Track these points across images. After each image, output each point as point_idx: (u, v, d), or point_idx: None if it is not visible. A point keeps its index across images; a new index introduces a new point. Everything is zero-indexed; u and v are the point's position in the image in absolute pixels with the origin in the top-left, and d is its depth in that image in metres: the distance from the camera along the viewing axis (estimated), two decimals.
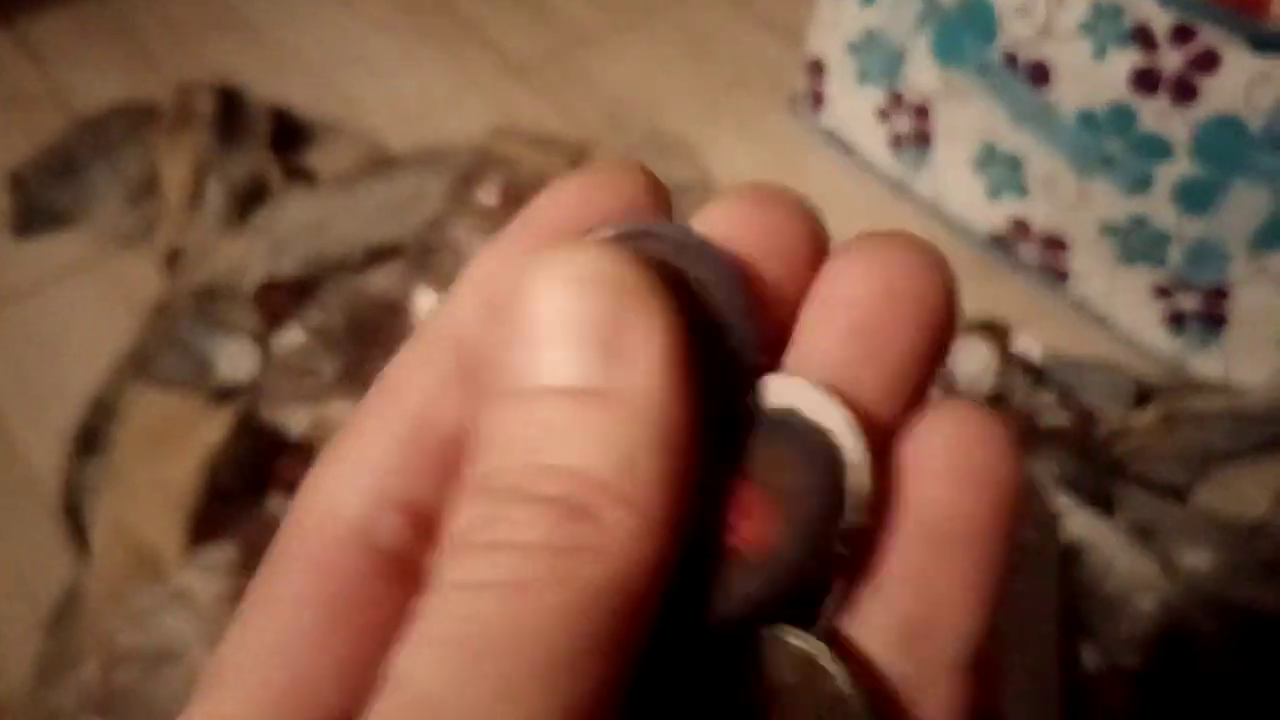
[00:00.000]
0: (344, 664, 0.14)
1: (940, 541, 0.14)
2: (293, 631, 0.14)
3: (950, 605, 0.14)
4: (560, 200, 0.16)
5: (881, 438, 0.15)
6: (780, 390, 0.15)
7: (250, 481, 0.59)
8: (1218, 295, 0.66)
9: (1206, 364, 0.69)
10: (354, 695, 0.14)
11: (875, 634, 0.15)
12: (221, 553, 0.56)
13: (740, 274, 0.15)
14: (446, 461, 0.15)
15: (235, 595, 0.54)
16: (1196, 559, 0.56)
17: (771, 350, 0.15)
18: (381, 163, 0.74)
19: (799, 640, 0.14)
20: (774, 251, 0.15)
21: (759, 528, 0.14)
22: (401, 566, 0.15)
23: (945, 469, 0.15)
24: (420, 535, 0.15)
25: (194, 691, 0.15)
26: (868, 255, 0.15)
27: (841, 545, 0.14)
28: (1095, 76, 0.62)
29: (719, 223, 0.15)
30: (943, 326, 0.15)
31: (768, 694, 0.14)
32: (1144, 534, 0.57)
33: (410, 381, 0.15)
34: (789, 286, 0.15)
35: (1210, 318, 0.68)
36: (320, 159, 0.78)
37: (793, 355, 0.15)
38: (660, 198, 0.16)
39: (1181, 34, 0.57)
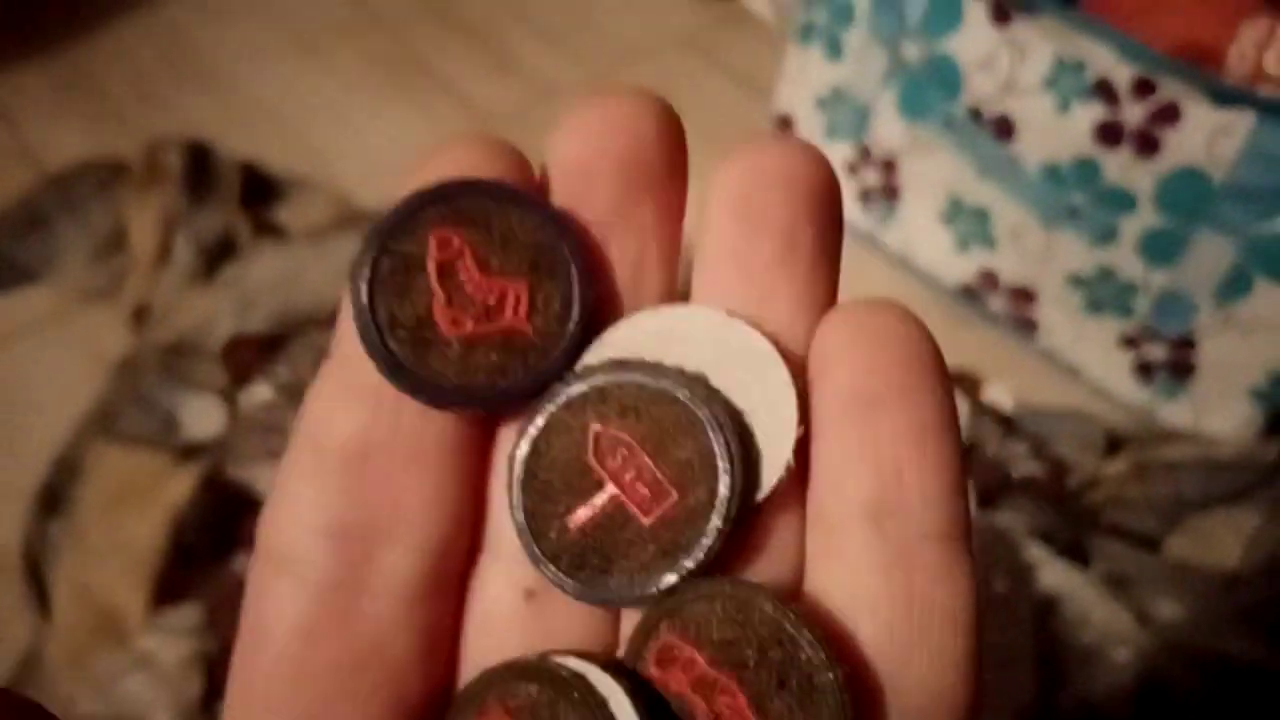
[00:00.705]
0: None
1: (870, 409, 0.14)
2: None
3: (906, 473, 0.14)
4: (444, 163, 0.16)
5: (795, 330, 0.15)
6: (665, 335, 0.15)
7: (216, 541, 0.58)
8: (1185, 345, 0.67)
9: (1175, 413, 0.70)
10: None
11: (844, 527, 0.14)
12: (186, 615, 0.55)
13: (565, 223, 0.16)
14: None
15: (199, 658, 0.53)
16: (1171, 610, 0.56)
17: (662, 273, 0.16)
18: (352, 217, 0.74)
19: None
20: (625, 157, 0.15)
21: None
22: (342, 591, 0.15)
23: (850, 343, 0.15)
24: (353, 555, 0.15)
25: None
26: (740, 162, 0.15)
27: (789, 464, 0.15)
28: (1059, 130, 0.63)
29: (573, 133, 0.16)
30: (820, 194, 0.15)
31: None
32: (1118, 584, 0.57)
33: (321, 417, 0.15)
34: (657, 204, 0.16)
35: (1178, 367, 0.68)
36: (290, 214, 0.78)
37: (695, 280, 0.16)
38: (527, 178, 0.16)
39: (1143, 88, 0.58)
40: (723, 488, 0.15)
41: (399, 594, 0.15)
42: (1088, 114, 0.61)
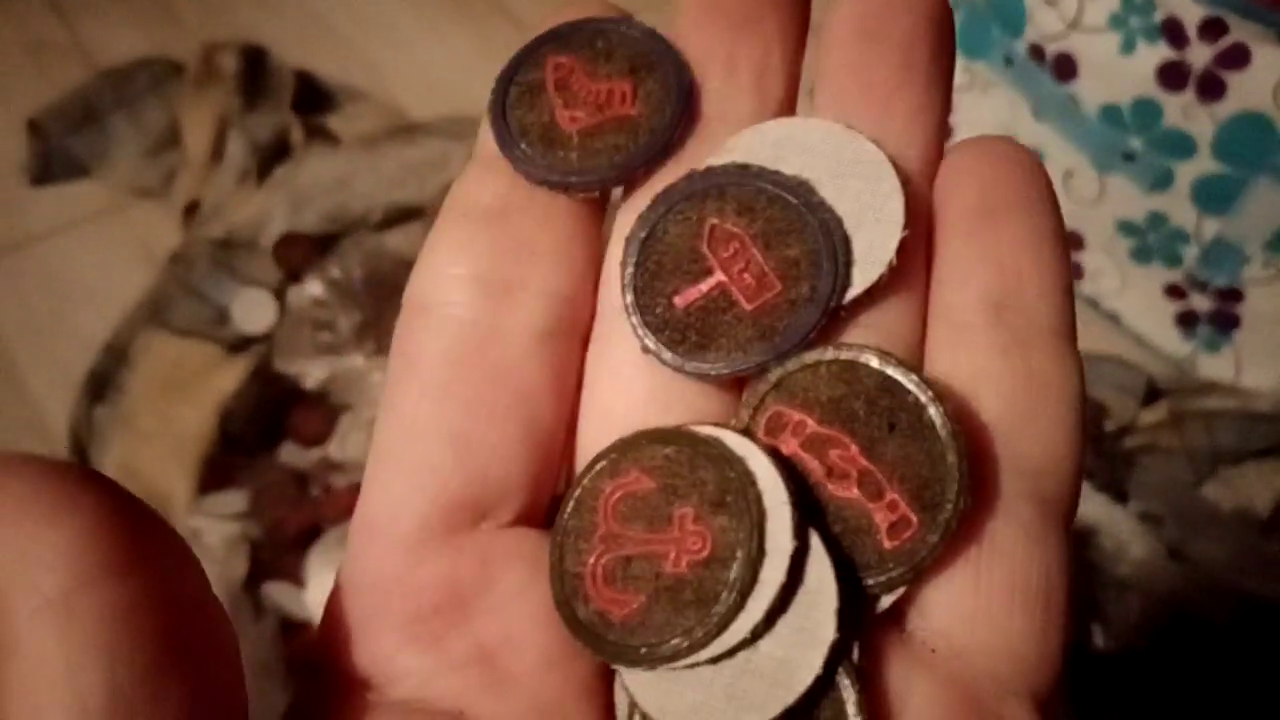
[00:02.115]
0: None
1: (992, 218, 0.16)
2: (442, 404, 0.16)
3: (1024, 269, 0.16)
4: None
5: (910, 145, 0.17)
6: (786, 140, 0.17)
7: (262, 431, 0.59)
8: (1231, 296, 0.67)
9: (1216, 366, 0.70)
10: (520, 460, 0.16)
11: (967, 317, 0.16)
12: (231, 500, 0.56)
13: (659, 34, 0.18)
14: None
15: (243, 541, 0.54)
16: (1205, 550, 0.56)
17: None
18: (404, 129, 0.74)
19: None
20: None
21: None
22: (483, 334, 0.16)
23: (974, 165, 0.16)
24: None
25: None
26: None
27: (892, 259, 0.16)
28: (1122, 70, 0.62)
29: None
30: (936, 18, 0.17)
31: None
32: (1154, 523, 0.57)
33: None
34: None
35: (1222, 319, 0.68)
36: (342, 124, 0.78)
37: (816, 94, 0.17)
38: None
39: (1212, 28, 0.58)
40: (824, 284, 0.16)
41: (530, 331, 0.16)
42: (1153, 54, 0.61)
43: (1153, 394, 0.68)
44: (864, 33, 0.17)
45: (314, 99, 0.79)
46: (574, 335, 0.17)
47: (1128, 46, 0.61)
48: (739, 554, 0.14)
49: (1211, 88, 0.59)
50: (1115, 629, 0.52)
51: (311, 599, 0.51)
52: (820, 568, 0.14)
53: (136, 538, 0.12)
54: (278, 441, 0.58)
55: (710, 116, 0.17)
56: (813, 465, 0.15)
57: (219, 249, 0.64)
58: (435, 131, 0.73)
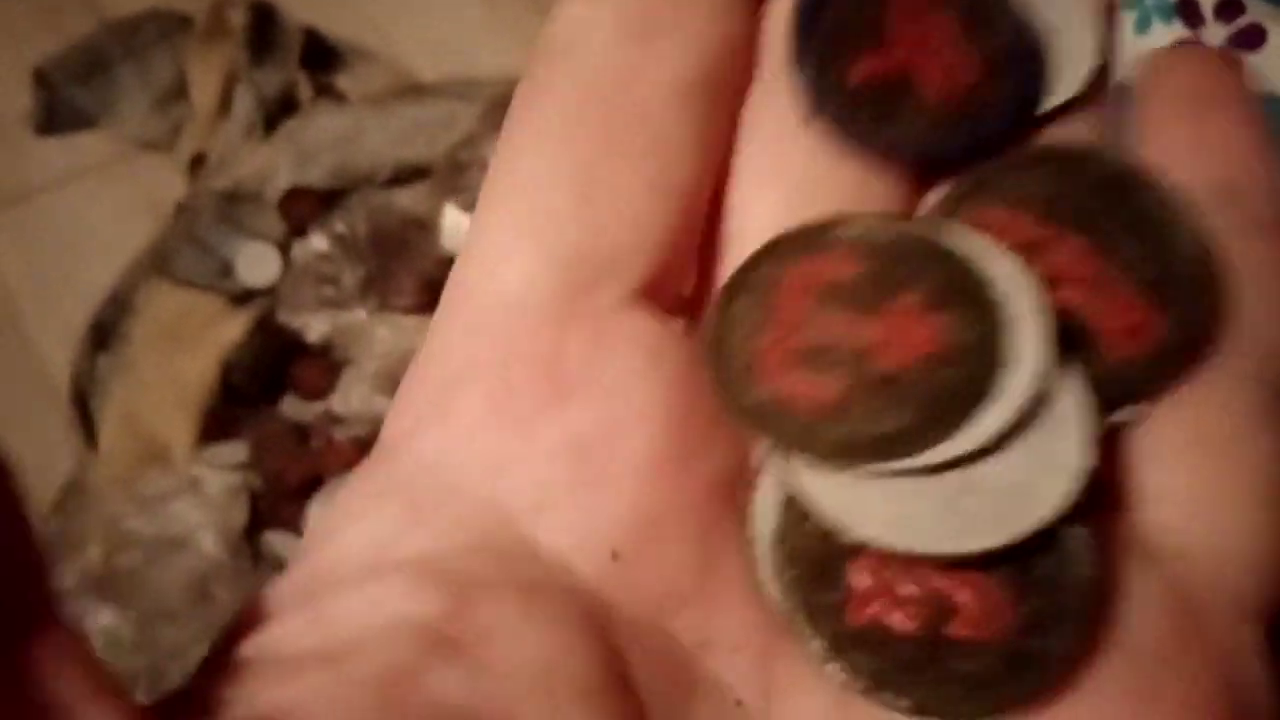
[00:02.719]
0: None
1: (1205, 103, 0.15)
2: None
3: (1247, 160, 0.15)
4: None
5: None
6: None
7: (264, 384, 0.58)
8: None
9: None
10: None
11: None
12: (232, 451, 0.56)
13: None
14: None
15: (244, 490, 0.54)
16: None
17: None
18: (413, 89, 0.74)
19: None
20: None
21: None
22: None
23: (1184, 59, 0.16)
24: None
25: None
26: None
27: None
28: (1136, 50, 0.62)
29: None
30: None
31: None
32: None
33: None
34: None
35: None
36: (350, 83, 0.78)
37: None
38: None
39: (1228, 8, 0.58)
40: (1023, 84, 0.14)
41: (675, 79, 0.14)
42: (1167, 34, 0.60)
43: None
44: None
45: (322, 57, 0.78)
46: (724, 94, 0.15)
47: (1142, 25, 0.61)
48: (980, 355, 0.12)
49: None
50: None
51: None
52: (1073, 387, 0.12)
53: None
54: (279, 394, 0.58)
55: None
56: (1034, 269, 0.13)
57: (224, 201, 0.64)
58: (444, 92, 0.73)
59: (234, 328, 0.59)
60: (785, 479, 0.13)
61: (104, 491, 0.54)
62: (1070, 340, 0.13)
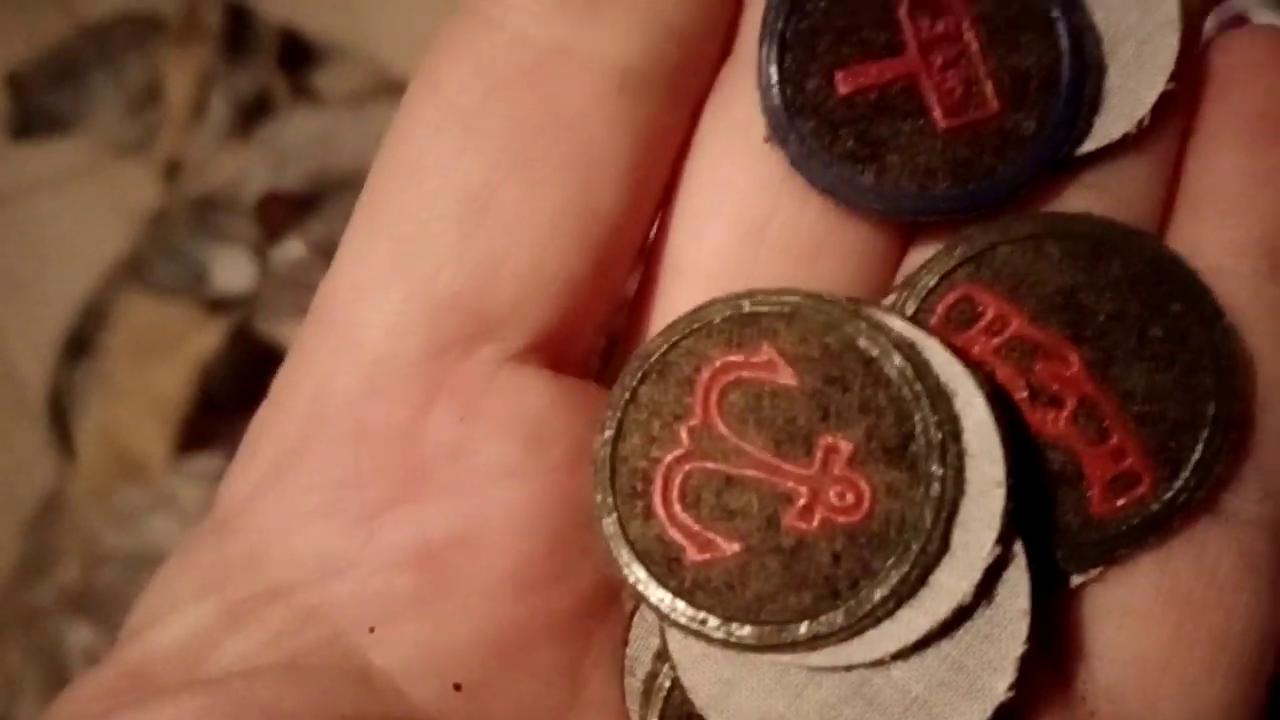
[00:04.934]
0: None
1: (1265, 125, 0.12)
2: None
3: None
4: None
5: None
6: None
7: (242, 393, 0.58)
8: None
9: None
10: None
11: (1227, 256, 0.12)
12: (209, 462, 0.55)
13: None
14: None
15: None
16: None
17: None
18: (389, 87, 0.73)
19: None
20: None
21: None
22: None
23: (1265, 53, 0.12)
24: None
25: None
26: None
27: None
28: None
29: None
30: None
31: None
32: None
33: None
34: None
35: None
36: (327, 81, 0.77)
37: None
38: None
39: None
40: (1057, 120, 0.11)
41: (611, 66, 0.11)
42: None
43: None
44: None
45: (298, 55, 0.77)
46: (676, 91, 0.12)
47: None
48: (911, 540, 0.10)
49: None
50: None
51: None
52: (1014, 589, 0.10)
53: None
54: (258, 403, 0.57)
55: None
56: (1012, 383, 0.10)
57: (200, 208, 0.63)
58: None
59: (210, 337, 0.58)
60: (660, 633, 0.11)
61: (82, 506, 0.53)
62: (1041, 488, 0.10)
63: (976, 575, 0.09)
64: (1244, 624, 0.10)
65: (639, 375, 0.11)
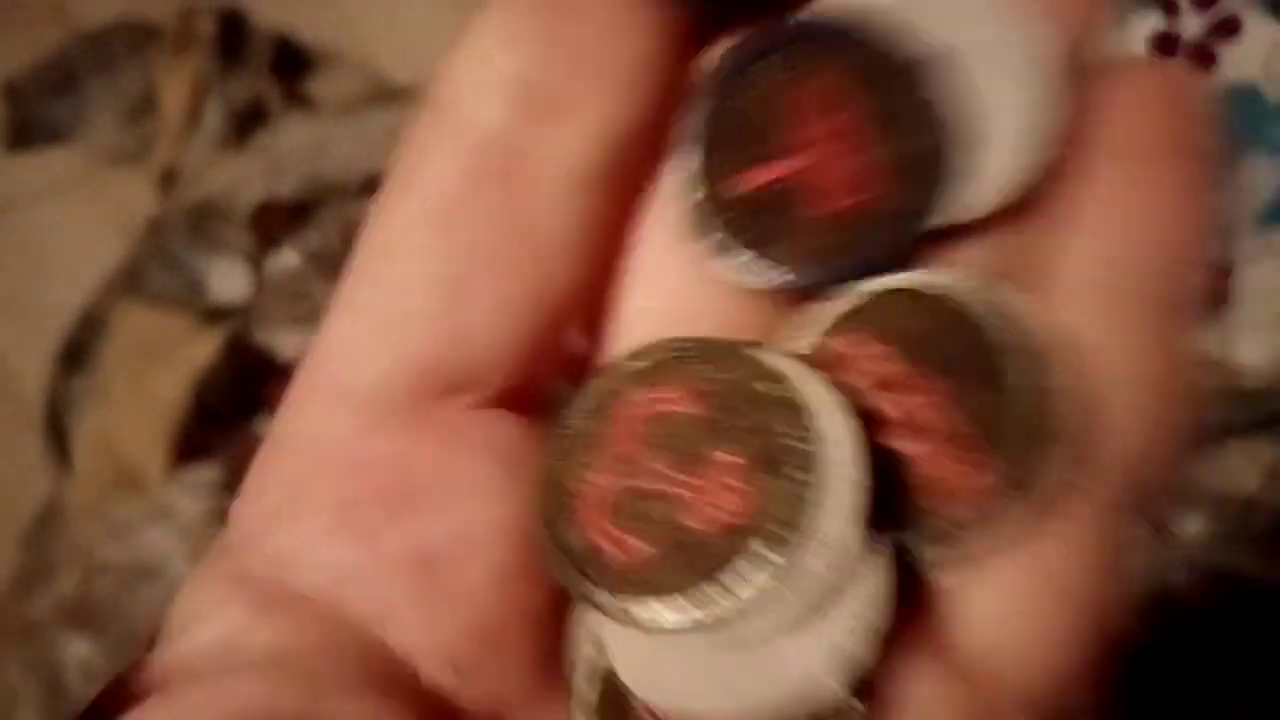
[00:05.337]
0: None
1: (1138, 157, 0.13)
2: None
3: (1160, 237, 0.13)
4: None
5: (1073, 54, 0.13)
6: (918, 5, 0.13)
7: (238, 403, 0.58)
8: (1221, 272, 0.66)
9: (1204, 341, 0.69)
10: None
11: (1085, 274, 0.13)
12: (206, 472, 0.55)
13: None
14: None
15: (219, 514, 0.53)
16: (1188, 525, 0.56)
17: None
18: (385, 93, 0.73)
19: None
20: None
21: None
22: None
23: (1147, 96, 0.13)
24: None
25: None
26: None
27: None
28: (1113, 40, 0.61)
29: None
30: None
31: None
32: None
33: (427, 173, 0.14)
34: None
35: (1212, 295, 0.67)
36: (322, 87, 0.77)
37: None
38: None
39: None
40: (927, 194, 0.13)
41: (570, 167, 0.13)
42: (1144, 24, 0.60)
43: None
44: None
45: (293, 62, 0.78)
46: (625, 186, 0.14)
47: (1119, 17, 0.60)
48: (785, 534, 0.12)
49: (1203, 58, 0.58)
50: None
51: None
52: (875, 573, 0.12)
53: None
54: (254, 413, 0.58)
55: None
56: (889, 414, 0.13)
57: (195, 217, 0.63)
58: (417, 96, 0.72)
59: (206, 346, 0.58)
60: (591, 624, 0.14)
61: (79, 518, 0.54)
62: (901, 502, 0.13)
63: (841, 560, 0.12)
64: (1091, 589, 0.13)
65: (575, 412, 0.14)
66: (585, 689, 0.14)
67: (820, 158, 0.13)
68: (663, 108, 0.14)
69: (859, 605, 0.12)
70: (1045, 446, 0.13)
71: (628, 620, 0.12)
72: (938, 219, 0.13)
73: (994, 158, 0.13)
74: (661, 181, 0.14)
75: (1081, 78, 0.13)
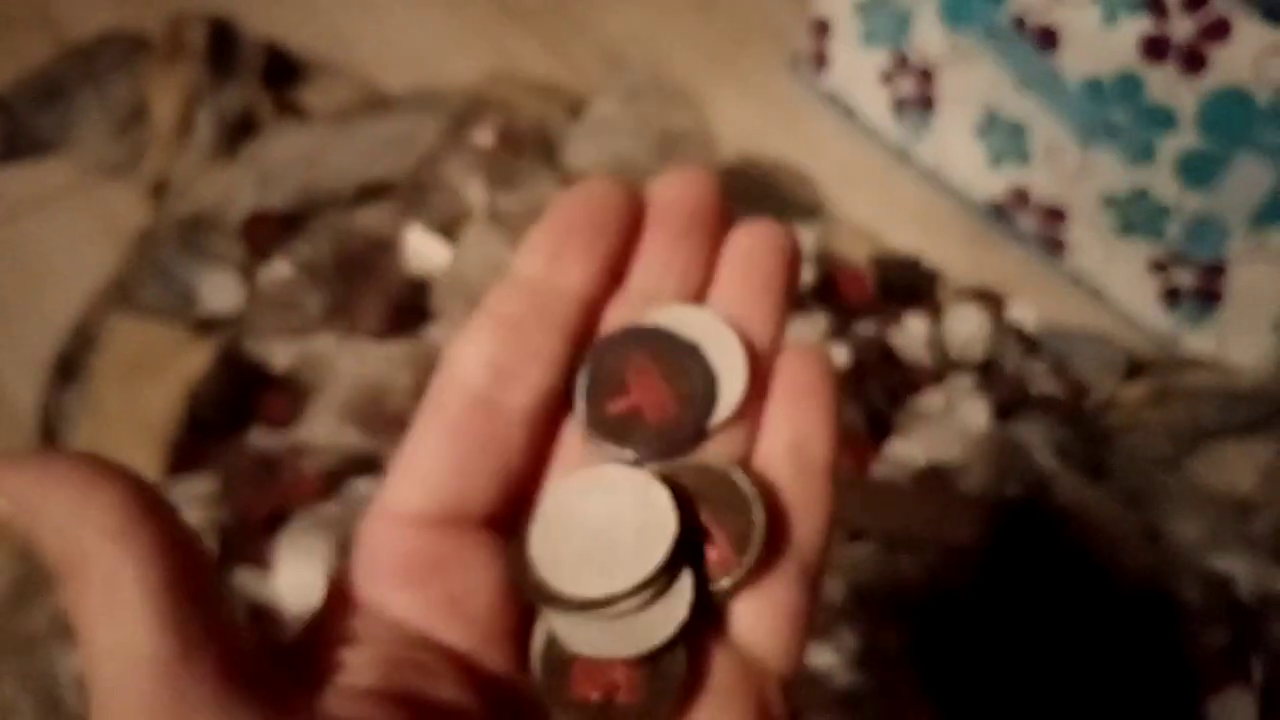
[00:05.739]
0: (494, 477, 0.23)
1: (800, 394, 0.25)
2: (451, 454, 0.23)
3: (815, 428, 0.24)
4: (571, 206, 0.25)
5: (758, 341, 0.25)
6: (689, 319, 0.25)
7: (231, 414, 0.58)
8: (1215, 271, 0.66)
9: (1199, 341, 0.69)
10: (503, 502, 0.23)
11: (773, 451, 0.24)
12: (199, 484, 0.55)
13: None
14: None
15: (212, 527, 0.53)
16: (1182, 529, 0.56)
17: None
18: (376, 102, 0.73)
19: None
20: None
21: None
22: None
23: (799, 361, 0.25)
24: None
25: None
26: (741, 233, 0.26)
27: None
28: (1104, 43, 0.61)
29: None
30: (788, 267, 0.26)
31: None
32: (1133, 501, 0.57)
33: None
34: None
35: (1206, 294, 0.67)
36: (313, 96, 0.77)
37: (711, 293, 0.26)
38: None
39: (1195, 1, 0.57)
40: (698, 413, 0.24)
41: (520, 410, 0.23)
42: (1135, 26, 0.60)
43: (1134, 370, 0.68)
44: (745, 259, 0.25)
45: (283, 72, 0.77)
46: (552, 417, 0.24)
47: (1109, 19, 0.60)
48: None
49: (1193, 61, 0.58)
50: (1090, 607, 0.52)
51: (278, 583, 0.51)
52: (680, 593, 0.22)
53: (153, 494, 0.19)
54: (246, 424, 0.57)
55: (644, 291, 0.25)
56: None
57: (186, 228, 0.63)
58: (407, 105, 0.72)
59: (198, 358, 0.58)
60: (547, 619, 0.23)
61: None
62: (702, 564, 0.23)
63: (654, 582, 0.22)
64: (803, 607, 0.23)
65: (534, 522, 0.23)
66: (542, 661, 0.22)
67: (646, 395, 0.24)
68: (570, 375, 0.24)
69: (670, 611, 0.22)
70: (756, 539, 0.23)
71: (561, 606, 0.22)
72: (703, 424, 0.24)
73: (725, 394, 0.24)
74: (569, 410, 0.24)
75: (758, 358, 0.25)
